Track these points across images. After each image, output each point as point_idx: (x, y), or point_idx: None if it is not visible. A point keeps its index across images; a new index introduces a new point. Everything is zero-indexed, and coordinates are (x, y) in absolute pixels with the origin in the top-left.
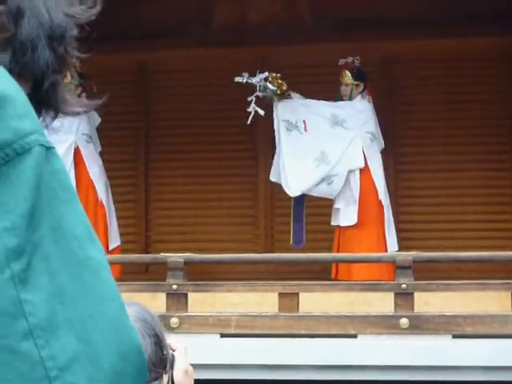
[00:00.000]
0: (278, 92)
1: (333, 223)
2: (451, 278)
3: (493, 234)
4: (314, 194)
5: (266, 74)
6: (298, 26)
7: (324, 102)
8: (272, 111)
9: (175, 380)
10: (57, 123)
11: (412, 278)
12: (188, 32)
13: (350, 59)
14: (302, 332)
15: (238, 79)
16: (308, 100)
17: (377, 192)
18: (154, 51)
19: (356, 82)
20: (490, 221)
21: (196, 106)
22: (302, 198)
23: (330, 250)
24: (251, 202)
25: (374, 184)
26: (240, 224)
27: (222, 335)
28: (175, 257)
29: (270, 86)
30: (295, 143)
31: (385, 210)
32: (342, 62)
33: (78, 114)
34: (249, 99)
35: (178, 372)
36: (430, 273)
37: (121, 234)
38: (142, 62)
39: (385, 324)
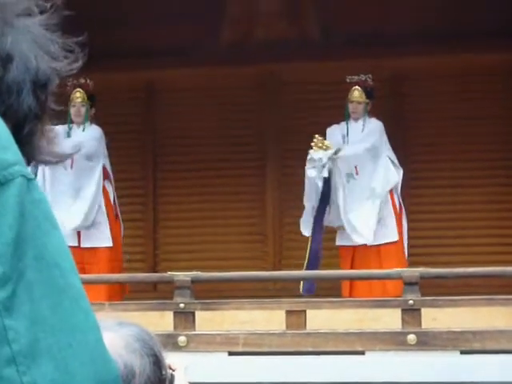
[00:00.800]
0: (336, 150)
1: (346, 243)
2: (460, 293)
3: (503, 248)
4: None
5: (318, 150)
6: (305, 43)
7: (355, 141)
8: None
9: None
10: (91, 150)
11: (419, 294)
12: (195, 50)
13: (362, 77)
14: (310, 349)
15: (311, 174)
16: (349, 148)
17: (395, 202)
18: (162, 69)
19: (367, 101)
20: (500, 236)
21: (203, 124)
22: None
23: (337, 267)
24: (259, 219)
25: (393, 195)
26: (248, 242)
27: (230, 353)
28: (182, 275)
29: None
30: (353, 190)
31: (403, 218)
32: (353, 79)
33: (50, 163)
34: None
35: None
36: (439, 288)
37: (129, 253)
38: (149, 80)
39: (392, 340)
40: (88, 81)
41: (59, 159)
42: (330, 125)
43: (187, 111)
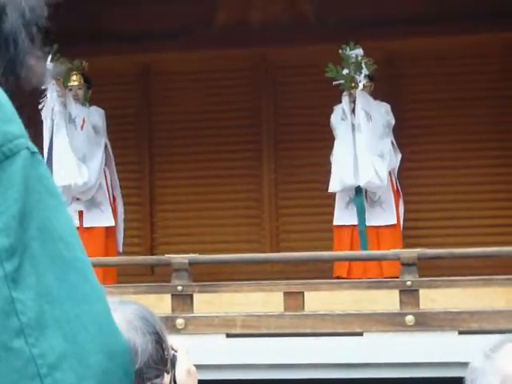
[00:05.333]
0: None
1: (346, 223)
2: (456, 275)
3: (499, 230)
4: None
5: None
6: (300, 26)
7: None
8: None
9: (178, 380)
10: (96, 122)
11: (417, 274)
12: (191, 33)
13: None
14: (308, 331)
15: None
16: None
17: (394, 185)
18: (157, 53)
19: (370, 83)
20: (496, 217)
21: (199, 107)
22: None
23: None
24: (256, 202)
25: (392, 178)
26: (245, 225)
27: (228, 335)
28: (180, 258)
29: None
30: (372, 133)
31: (400, 201)
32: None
33: (37, 83)
34: None
35: (180, 372)
36: (436, 270)
37: (126, 237)
38: (145, 63)
39: (390, 321)
40: (83, 63)
41: (38, 80)
42: (324, 108)
43: (183, 94)
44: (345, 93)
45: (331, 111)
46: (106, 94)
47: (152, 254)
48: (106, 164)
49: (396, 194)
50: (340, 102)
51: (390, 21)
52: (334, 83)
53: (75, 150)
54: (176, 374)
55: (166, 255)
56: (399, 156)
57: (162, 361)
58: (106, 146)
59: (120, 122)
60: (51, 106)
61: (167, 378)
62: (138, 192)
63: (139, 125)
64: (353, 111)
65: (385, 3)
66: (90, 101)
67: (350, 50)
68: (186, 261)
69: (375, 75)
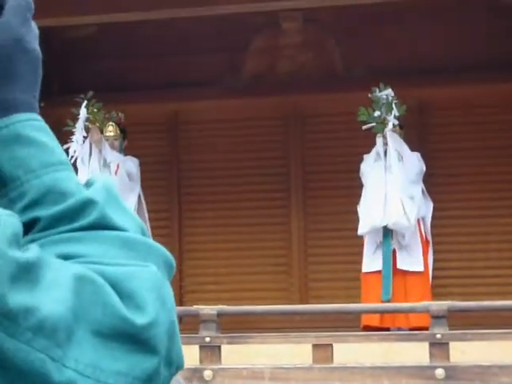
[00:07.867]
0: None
1: (374, 269)
2: (488, 324)
3: None
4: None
5: None
6: (329, 75)
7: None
8: None
9: None
10: (130, 169)
11: (447, 327)
12: (219, 82)
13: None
14: (337, 383)
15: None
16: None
17: (422, 232)
18: (187, 101)
19: (400, 131)
20: None
21: (227, 156)
22: None
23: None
24: (284, 250)
25: (420, 225)
26: (274, 273)
27: None
28: (208, 309)
29: None
30: (402, 173)
31: (429, 251)
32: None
33: None
34: None
35: None
36: (467, 319)
37: None
38: (174, 111)
39: (420, 375)
40: (119, 114)
41: None
42: (353, 156)
43: (212, 142)
44: (378, 135)
45: (358, 159)
46: (135, 141)
47: (180, 302)
48: (137, 212)
49: (425, 243)
50: (367, 151)
51: (417, 70)
52: (365, 127)
53: None
54: None
55: (195, 306)
56: (431, 205)
57: None
58: (139, 196)
59: (149, 169)
60: (72, 150)
61: None
62: (167, 240)
63: (168, 173)
64: (385, 153)
65: (410, 54)
66: (124, 149)
67: (380, 91)
68: (215, 312)
69: (405, 123)
